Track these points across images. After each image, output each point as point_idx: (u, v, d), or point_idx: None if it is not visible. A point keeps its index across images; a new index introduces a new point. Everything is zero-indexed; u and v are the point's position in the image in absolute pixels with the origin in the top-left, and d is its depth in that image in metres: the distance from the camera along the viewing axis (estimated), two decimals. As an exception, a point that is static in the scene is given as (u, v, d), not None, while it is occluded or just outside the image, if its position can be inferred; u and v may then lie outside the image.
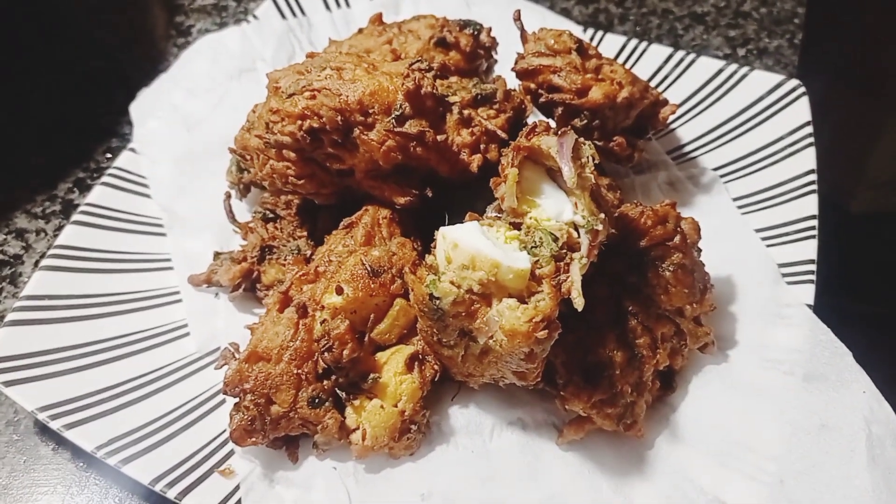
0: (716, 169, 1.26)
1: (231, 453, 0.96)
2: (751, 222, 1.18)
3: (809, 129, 1.24)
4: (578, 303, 0.82)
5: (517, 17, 1.15)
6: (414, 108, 0.94)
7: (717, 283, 1.07)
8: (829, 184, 1.23)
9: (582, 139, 0.91)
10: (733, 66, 1.33)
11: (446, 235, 0.86)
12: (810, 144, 1.22)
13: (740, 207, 1.20)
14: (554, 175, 0.91)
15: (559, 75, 1.09)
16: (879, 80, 1.97)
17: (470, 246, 0.84)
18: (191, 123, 1.30)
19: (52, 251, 1.10)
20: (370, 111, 0.93)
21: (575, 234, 0.87)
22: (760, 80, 1.31)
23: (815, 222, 1.14)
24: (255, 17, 1.47)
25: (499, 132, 1.00)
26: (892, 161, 2.12)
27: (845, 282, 1.26)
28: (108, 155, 1.37)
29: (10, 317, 1.03)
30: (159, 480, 0.91)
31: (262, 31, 1.44)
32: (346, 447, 0.94)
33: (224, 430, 0.96)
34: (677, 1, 1.67)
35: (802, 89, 1.28)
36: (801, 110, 1.26)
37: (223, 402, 1.00)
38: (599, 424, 0.95)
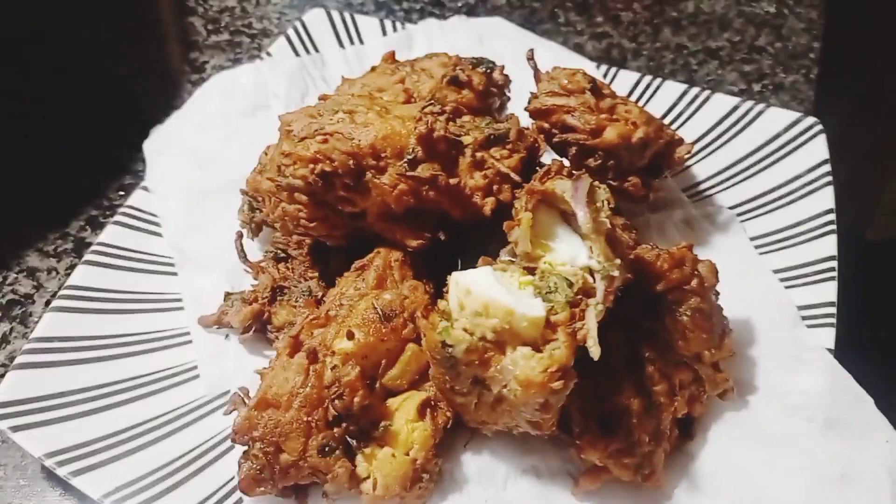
0: (732, 207, 1.24)
1: (240, 501, 0.95)
2: (769, 263, 1.16)
3: (827, 168, 1.22)
4: (595, 351, 0.80)
5: (530, 57, 1.14)
6: (426, 152, 0.93)
7: (735, 327, 1.05)
8: (849, 214, 1.22)
9: (597, 183, 0.89)
10: (749, 103, 1.32)
11: (459, 281, 0.84)
12: (828, 183, 1.20)
13: (758, 247, 1.18)
14: (568, 218, 0.90)
15: (573, 115, 1.08)
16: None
17: (483, 292, 0.82)
18: (203, 161, 1.30)
19: (63, 292, 1.09)
20: (382, 155, 0.92)
21: (590, 280, 0.85)
22: (777, 118, 1.30)
23: (834, 263, 1.12)
24: (268, 53, 1.47)
25: (512, 175, 0.99)
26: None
27: (866, 312, 1.24)
28: (121, 192, 1.37)
29: (19, 359, 1.02)
30: (167, 530, 0.89)
31: (275, 68, 1.44)
32: (357, 496, 0.92)
33: (233, 477, 0.94)
34: (691, 36, 1.66)
35: (819, 127, 1.27)
36: (819, 148, 1.25)
37: (232, 447, 0.99)
38: (617, 474, 0.92)
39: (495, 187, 1.02)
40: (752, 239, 1.19)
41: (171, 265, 1.18)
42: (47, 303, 1.20)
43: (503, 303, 0.81)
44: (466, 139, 1.04)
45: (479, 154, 1.00)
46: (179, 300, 1.14)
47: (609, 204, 0.89)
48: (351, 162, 0.91)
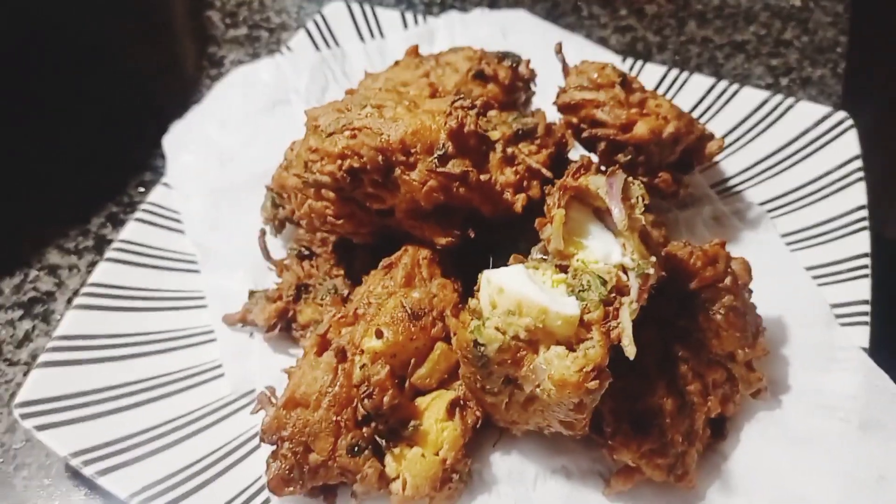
0: (762, 203, 1.22)
1: (268, 501, 0.93)
2: (800, 260, 1.14)
3: (859, 163, 1.20)
4: (630, 350, 0.79)
5: (559, 50, 1.12)
6: (457, 148, 0.91)
7: (768, 325, 1.03)
8: (879, 215, 1.20)
9: (631, 178, 0.88)
10: (778, 97, 1.30)
11: (491, 279, 0.83)
12: (860, 179, 1.18)
13: (789, 244, 1.16)
14: (601, 215, 0.88)
15: (603, 110, 1.07)
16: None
17: (516, 291, 0.81)
18: (224, 157, 1.29)
19: (85, 289, 1.09)
20: (412, 151, 0.90)
21: (624, 277, 0.84)
22: (807, 112, 1.28)
23: (867, 260, 1.10)
24: (288, 48, 1.45)
25: (543, 170, 0.97)
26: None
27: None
28: (142, 189, 1.35)
29: (43, 358, 1.01)
30: (194, 530, 0.88)
31: (295, 63, 1.42)
32: (386, 497, 0.91)
33: (260, 477, 0.93)
34: (717, 29, 1.63)
35: (850, 122, 1.24)
36: (850, 143, 1.23)
37: (258, 447, 0.97)
38: (649, 475, 0.91)
39: (525, 183, 1.00)
40: (783, 236, 1.17)
41: (194, 262, 1.17)
42: (69, 300, 1.18)
43: (537, 301, 0.80)
44: (494, 134, 1.02)
45: (509, 149, 0.98)
46: (202, 298, 1.13)
47: (644, 200, 0.87)
48: (380, 158, 0.89)
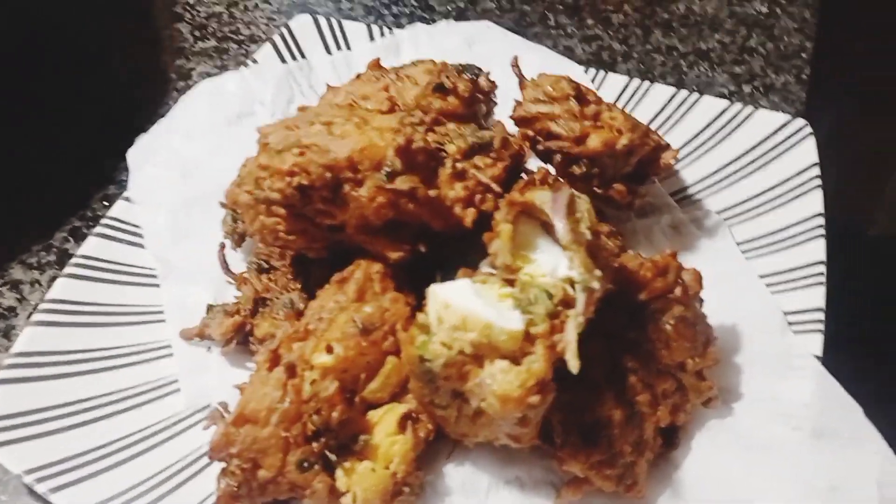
0: (720, 212, 1.23)
1: (221, 516, 0.94)
2: (756, 268, 1.15)
3: (816, 171, 1.21)
4: (573, 365, 0.79)
5: (514, 63, 1.13)
6: (405, 164, 0.92)
7: (722, 333, 1.04)
8: (848, 211, 1.21)
9: (577, 193, 0.88)
10: (738, 106, 1.31)
11: (437, 295, 0.83)
12: (817, 187, 1.19)
13: (745, 252, 1.17)
14: (549, 229, 0.88)
15: (557, 123, 1.07)
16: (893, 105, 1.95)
17: (461, 306, 0.81)
18: (187, 170, 1.29)
19: (43, 305, 1.09)
20: (360, 167, 0.91)
21: (570, 291, 0.84)
22: (766, 120, 1.28)
23: (822, 268, 1.11)
24: (254, 60, 1.45)
25: (492, 185, 0.98)
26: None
27: (862, 311, 1.23)
28: (105, 203, 1.35)
29: (0, 375, 1.01)
30: (145, 547, 0.89)
31: (261, 75, 1.42)
32: (339, 511, 0.92)
33: (213, 493, 0.93)
34: (682, 37, 1.64)
35: (809, 129, 1.25)
36: (808, 151, 1.24)
37: (211, 462, 0.97)
38: (598, 485, 0.92)
39: (478, 197, 1.01)
40: (740, 244, 1.18)
41: (154, 277, 1.17)
42: (30, 315, 1.18)
43: (481, 316, 0.80)
44: (450, 147, 1.03)
45: (459, 165, 0.99)
46: (161, 313, 1.13)
47: (590, 215, 0.88)
48: (328, 175, 0.90)
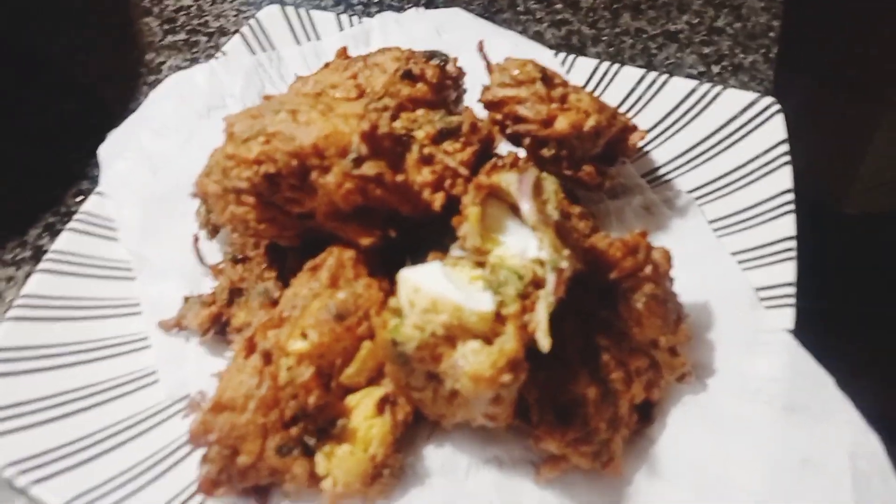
0: (691, 191, 1.24)
1: (204, 502, 0.94)
2: (727, 245, 1.16)
3: (785, 148, 1.22)
4: (544, 344, 0.81)
5: (480, 48, 1.14)
6: (371, 150, 0.93)
7: (694, 310, 1.05)
8: (820, 187, 1.23)
9: (544, 174, 0.89)
10: (706, 86, 1.31)
11: (408, 279, 0.84)
12: (787, 163, 1.20)
13: (716, 230, 1.18)
14: (517, 211, 0.90)
15: (524, 106, 1.08)
16: (865, 84, 1.97)
17: (431, 290, 0.82)
18: (158, 164, 1.29)
19: (18, 301, 1.09)
20: (326, 154, 0.92)
21: (540, 272, 0.85)
22: (734, 99, 1.29)
23: (793, 243, 1.12)
24: (223, 52, 1.45)
25: (459, 169, 0.99)
26: (884, 161, 2.13)
27: (832, 283, 1.25)
28: (80, 198, 1.36)
29: (-23, 370, 1.02)
30: (129, 536, 0.89)
31: (230, 67, 1.42)
32: (319, 495, 0.93)
33: (194, 481, 0.94)
34: (651, 19, 1.65)
35: (777, 107, 1.26)
36: (776, 128, 1.25)
37: (193, 450, 0.98)
38: (576, 463, 0.93)
39: (448, 182, 1.02)
40: (711, 222, 1.19)
41: (129, 270, 1.17)
42: (6, 312, 1.18)
43: (451, 298, 0.81)
44: (419, 133, 1.04)
45: (427, 149, 1.00)
46: (137, 305, 1.14)
47: (557, 195, 0.89)
48: (294, 162, 0.91)
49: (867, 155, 2.10)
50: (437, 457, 0.99)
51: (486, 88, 1.12)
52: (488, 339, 0.82)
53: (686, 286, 1.04)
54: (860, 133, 2.08)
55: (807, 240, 1.13)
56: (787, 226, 1.14)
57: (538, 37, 1.60)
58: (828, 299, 1.24)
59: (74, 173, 1.39)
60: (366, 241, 0.98)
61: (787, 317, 1.06)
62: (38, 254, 1.28)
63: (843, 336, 1.14)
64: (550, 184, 0.88)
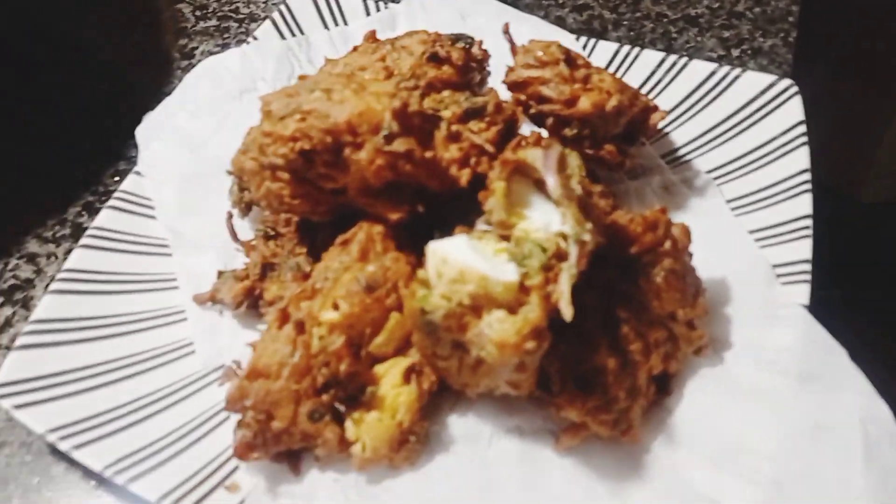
0: (710, 171, 1.26)
1: (236, 468, 0.99)
2: (745, 224, 1.18)
3: (802, 129, 1.24)
4: (567, 313, 0.84)
5: (506, 30, 1.17)
6: (401, 127, 0.96)
7: (711, 286, 1.08)
8: (838, 175, 1.24)
9: (568, 150, 0.93)
10: (725, 69, 1.34)
11: (436, 251, 0.88)
12: (804, 144, 1.23)
13: (734, 209, 1.21)
14: (542, 186, 0.93)
15: (548, 86, 1.11)
16: (882, 70, 1.98)
17: (458, 260, 0.86)
18: (194, 145, 1.33)
19: (60, 275, 1.13)
20: (359, 131, 0.95)
21: (563, 245, 0.88)
22: (752, 81, 1.32)
23: (809, 222, 1.14)
24: (255, 37, 1.49)
25: (486, 146, 1.02)
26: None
27: (851, 272, 1.26)
28: (116, 178, 1.40)
29: (20, 341, 1.06)
30: (167, 497, 0.93)
31: (261, 52, 1.46)
32: (348, 459, 0.97)
33: (229, 446, 0.98)
34: (671, 4, 1.67)
35: (795, 89, 1.29)
36: (794, 110, 1.27)
37: (228, 418, 1.02)
38: (595, 431, 0.96)
39: (473, 160, 1.05)
40: (729, 201, 1.22)
41: (166, 246, 1.21)
42: (47, 287, 1.23)
43: (478, 269, 0.85)
44: (445, 113, 1.07)
45: (454, 127, 1.03)
46: (174, 280, 1.18)
47: (581, 171, 0.92)
48: (328, 139, 0.94)
49: (883, 143, 2.10)
50: (461, 425, 1.03)
51: (511, 69, 1.15)
52: (513, 309, 0.85)
53: (704, 263, 1.06)
54: (876, 121, 2.09)
55: (821, 227, 1.15)
56: (804, 204, 1.16)
57: (560, 21, 1.62)
58: (841, 288, 1.26)
59: (111, 154, 1.44)
60: (394, 216, 1.01)
61: (803, 292, 1.08)
62: (78, 231, 1.33)
63: (854, 324, 1.15)
64: (574, 159, 0.91)
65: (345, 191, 1.01)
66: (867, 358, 1.02)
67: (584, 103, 1.10)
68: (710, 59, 1.47)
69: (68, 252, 1.28)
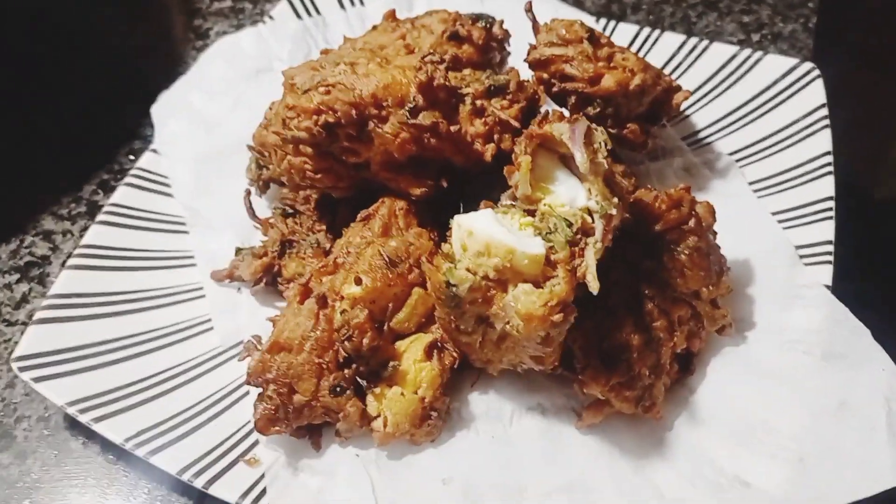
0: (731, 154, 1.26)
1: (256, 443, 0.98)
2: (767, 205, 1.18)
3: (825, 112, 1.24)
4: (594, 286, 0.83)
5: (528, 8, 1.16)
6: (427, 100, 0.96)
7: (735, 266, 1.07)
8: (851, 169, 1.23)
9: (594, 125, 0.92)
10: (747, 52, 1.33)
11: (461, 223, 0.87)
12: (826, 126, 1.22)
13: (756, 191, 1.20)
14: (567, 161, 0.92)
15: (571, 64, 1.10)
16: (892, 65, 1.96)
17: (484, 233, 0.85)
18: (210, 124, 1.33)
19: (78, 251, 1.13)
20: (384, 104, 0.95)
21: (589, 220, 0.88)
22: (774, 65, 1.31)
23: (831, 203, 1.14)
24: (270, 17, 1.49)
25: (511, 121, 1.01)
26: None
27: (866, 266, 1.25)
28: (131, 157, 1.40)
29: (38, 315, 1.06)
30: (187, 470, 0.93)
31: (277, 32, 1.46)
32: (369, 434, 0.96)
33: (249, 421, 0.97)
34: (690, -12, 1.67)
35: (817, 72, 1.28)
36: (816, 93, 1.26)
37: (247, 393, 1.02)
38: (618, 407, 0.95)
39: (496, 136, 1.04)
40: (751, 183, 1.21)
41: (182, 224, 1.21)
42: (63, 263, 1.23)
43: (504, 242, 0.84)
44: (467, 90, 1.06)
45: (479, 102, 1.03)
46: (191, 257, 1.18)
47: (607, 145, 0.91)
48: (353, 112, 0.94)
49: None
50: (482, 403, 1.02)
51: (533, 47, 1.14)
52: (538, 283, 0.84)
53: (727, 244, 1.06)
54: (891, 115, 2.06)
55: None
56: (827, 187, 1.16)
57: (578, 4, 1.61)
58: (858, 282, 1.24)
59: (126, 133, 1.43)
60: (417, 192, 1.01)
61: (826, 273, 1.08)
62: (93, 209, 1.32)
63: (875, 308, 1.14)
64: (600, 134, 0.90)
65: (367, 165, 1.01)
66: (891, 337, 1.02)
67: (608, 81, 1.09)
68: (731, 44, 1.46)
69: (84, 229, 1.28)
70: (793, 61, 1.30)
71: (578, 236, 0.87)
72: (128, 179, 1.22)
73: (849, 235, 1.12)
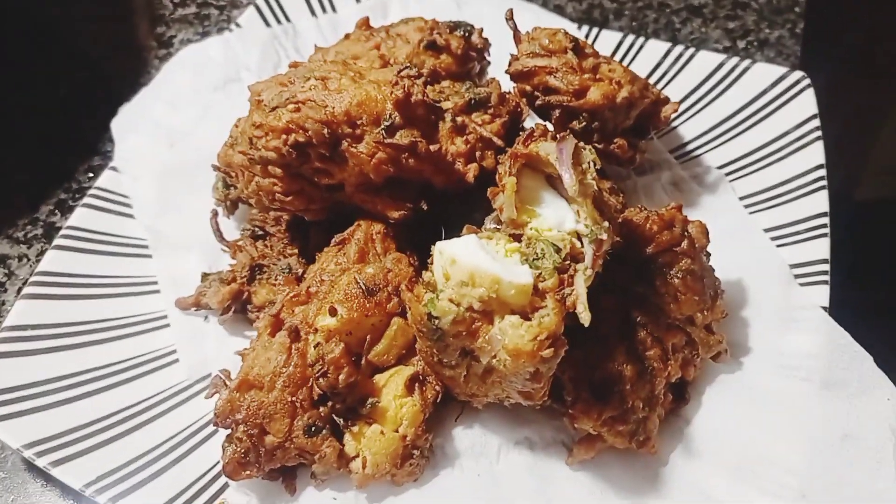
0: (721, 167, 1.21)
1: (226, 486, 0.92)
2: (759, 222, 1.13)
3: (816, 123, 1.20)
4: (585, 318, 0.78)
5: (509, 17, 1.10)
6: (404, 118, 0.90)
7: (728, 288, 1.03)
8: (836, 174, 1.20)
9: (582, 144, 0.86)
10: (734, 60, 1.29)
11: (443, 251, 0.81)
12: (818, 138, 1.18)
13: (747, 206, 1.16)
14: (554, 182, 0.87)
15: (555, 76, 1.05)
16: (884, 65, 1.94)
17: (468, 261, 0.79)
18: (174, 138, 1.26)
19: (33, 278, 1.06)
20: (358, 122, 0.89)
21: (578, 244, 0.83)
22: (763, 73, 1.27)
23: (826, 220, 1.10)
24: (237, 25, 1.42)
25: (494, 139, 0.96)
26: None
27: (859, 273, 1.22)
28: (91, 174, 1.33)
29: (-9, 349, 0.99)
30: (151, 518, 0.87)
31: (245, 40, 1.39)
32: (347, 476, 0.90)
33: (217, 462, 0.91)
34: (673, -7, 1.63)
35: (807, 81, 1.24)
36: (807, 103, 1.22)
37: (216, 431, 0.96)
38: (611, 442, 0.90)
39: (478, 153, 0.99)
40: (742, 198, 1.17)
41: (145, 247, 1.14)
42: (19, 290, 1.16)
43: (489, 271, 0.78)
44: (446, 104, 1.01)
45: (459, 119, 0.97)
46: (155, 283, 1.11)
47: (595, 165, 0.86)
48: (325, 131, 0.88)
49: (877, 141, 2.07)
50: (467, 438, 0.97)
51: (515, 58, 1.08)
52: (526, 314, 0.79)
53: (719, 264, 1.01)
54: (873, 119, 2.05)
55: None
56: (821, 202, 1.12)
57: (559, 10, 1.57)
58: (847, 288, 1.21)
59: (85, 147, 1.36)
60: (395, 215, 0.95)
61: (822, 294, 1.03)
62: (51, 231, 1.25)
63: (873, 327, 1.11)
64: (589, 153, 0.85)
65: (341, 187, 0.95)
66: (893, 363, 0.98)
67: (594, 94, 1.04)
68: (716, 51, 1.42)
69: (41, 253, 1.21)
70: (782, 70, 1.26)
71: (567, 262, 0.82)
72: (86, 200, 1.15)
73: (844, 243, 1.09)
